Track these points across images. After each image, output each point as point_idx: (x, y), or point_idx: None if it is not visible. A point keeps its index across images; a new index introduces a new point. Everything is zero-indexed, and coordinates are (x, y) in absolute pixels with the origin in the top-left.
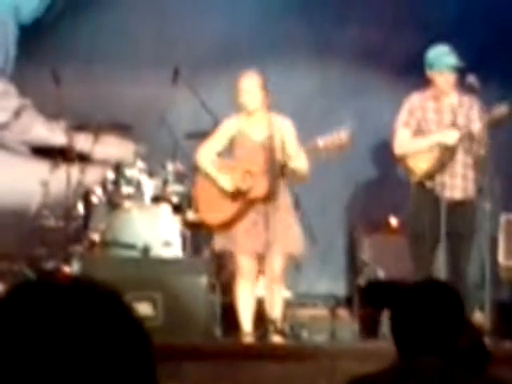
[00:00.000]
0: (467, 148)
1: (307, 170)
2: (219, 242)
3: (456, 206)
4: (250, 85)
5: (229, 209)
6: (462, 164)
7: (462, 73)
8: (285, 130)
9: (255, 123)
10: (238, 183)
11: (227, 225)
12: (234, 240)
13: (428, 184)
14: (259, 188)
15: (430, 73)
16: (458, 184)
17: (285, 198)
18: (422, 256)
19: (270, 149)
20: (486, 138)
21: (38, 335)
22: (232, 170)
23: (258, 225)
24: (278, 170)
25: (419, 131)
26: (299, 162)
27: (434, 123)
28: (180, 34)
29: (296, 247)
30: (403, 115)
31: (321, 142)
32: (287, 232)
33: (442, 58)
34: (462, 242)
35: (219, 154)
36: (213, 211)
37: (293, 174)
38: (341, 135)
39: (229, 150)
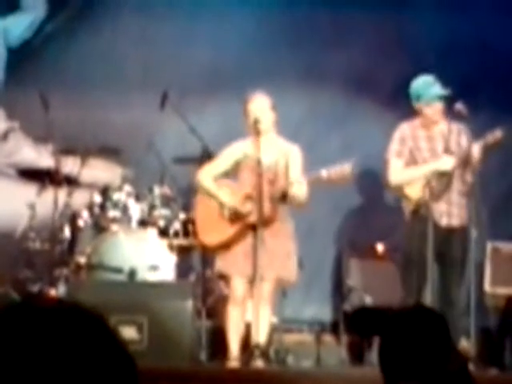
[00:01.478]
0: (461, 174)
1: (307, 198)
2: (218, 265)
3: (452, 234)
4: (262, 106)
5: (226, 230)
6: (456, 191)
7: (449, 100)
8: (291, 156)
9: (263, 146)
10: (238, 206)
11: (224, 247)
12: (232, 263)
13: (423, 212)
14: (259, 213)
15: (417, 104)
16: (454, 211)
17: (286, 224)
18: (413, 283)
19: (273, 172)
20: (482, 162)
21: (22, 358)
22: (232, 191)
23: (257, 250)
24: (278, 195)
25: (412, 160)
26: (300, 189)
27: (427, 151)
28: (168, 60)
29: (292, 275)
30: (395, 145)
31: (325, 173)
32: (286, 258)
33: (428, 89)
34: (456, 268)
35: (219, 177)
36: (210, 232)
37: (292, 200)
38: (344, 168)
39: (234, 174)
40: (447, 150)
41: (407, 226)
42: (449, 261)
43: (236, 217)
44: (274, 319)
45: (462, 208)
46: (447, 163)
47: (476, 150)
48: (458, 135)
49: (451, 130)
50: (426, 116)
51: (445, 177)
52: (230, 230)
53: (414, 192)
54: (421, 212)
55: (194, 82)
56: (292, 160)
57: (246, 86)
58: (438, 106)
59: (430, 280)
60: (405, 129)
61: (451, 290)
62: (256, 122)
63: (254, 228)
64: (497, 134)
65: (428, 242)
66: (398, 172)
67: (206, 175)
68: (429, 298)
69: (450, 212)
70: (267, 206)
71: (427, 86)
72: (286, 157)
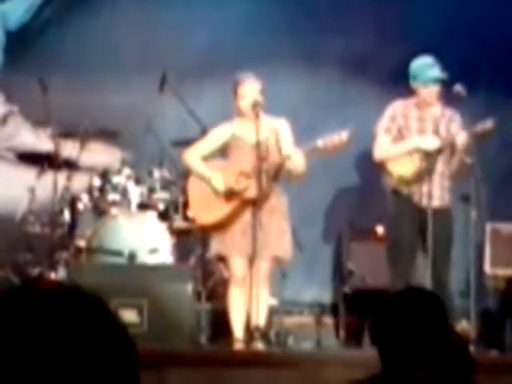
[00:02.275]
0: (447, 159)
1: (305, 169)
2: (215, 247)
3: (434, 215)
4: (253, 89)
5: (223, 209)
6: (439, 173)
7: (448, 82)
8: (280, 130)
9: (251, 127)
10: (232, 184)
11: (221, 225)
12: (231, 242)
13: (404, 191)
14: (253, 189)
15: (413, 83)
16: (435, 193)
17: (280, 202)
18: (400, 263)
19: (264, 150)
20: (471, 147)
21: (22, 341)
22: (225, 170)
23: (254, 227)
24: (272, 172)
25: (400, 137)
26: (297, 160)
27: (416, 131)
28: (166, 42)
29: (287, 253)
30: (385, 121)
31: (320, 142)
32: (280, 236)
33: (426, 70)
34: (441, 250)
35: (206, 158)
36: (206, 211)
37: (289, 173)
38: (341, 135)
39: (221, 155)
40: (436, 133)
41: (389, 206)
42: (434, 243)
43: (231, 194)
44: (274, 301)
45: (443, 190)
46: (431, 143)
47: (461, 138)
48: (449, 121)
49: (443, 115)
50: (421, 96)
51: (429, 158)
52: (226, 208)
53: (397, 169)
54: (401, 191)
55: (192, 66)
56: (282, 134)
57: (244, 70)
58: (434, 89)
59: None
60: (397, 107)
61: (440, 271)
62: (255, 105)
63: (249, 204)
64: (488, 125)
65: (418, 223)
66: (383, 147)
67: (193, 156)
68: (422, 279)
69: (431, 193)
70: (260, 184)
71: (426, 68)
72: (275, 132)
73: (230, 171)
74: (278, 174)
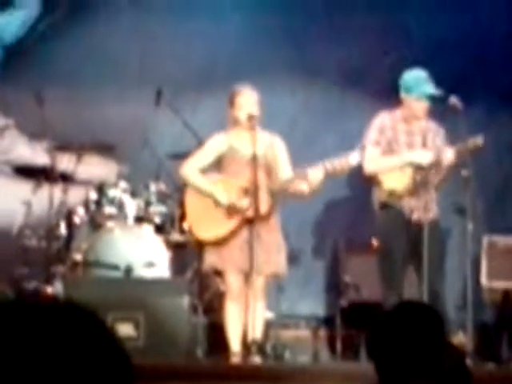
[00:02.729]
0: (434, 171)
1: (322, 187)
2: (210, 260)
3: (423, 228)
4: (250, 100)
5: (225, 225)
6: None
7: (442, 97)
8: (276, 147)
9: (247, 139)
10: (234, 200)
11: (221, 242)
12: (228, 258)
13: (393, 205)
14: (257, 207)
15: (405, 96)
16: (422, 205)
17: (277, 218)
18: (391, 277)
19: (265, 165)
20: (467, 159)
21: (16, 356)
22: (224, 184)
23: (253, 244)
24: (275, 190)
25: (390, 151)
26: (315, 179)
27: (405, 145)
28: (163, 56)
29: (283, 268)
30: (373, 133)
31: (328, 165)
32: (278, 253)
33: (420, 84)
34: (435, 262)
35: (204, 170)
36: (206, 227)
37: (301, 193)
38: (350, 159)
39: (215, 167)
40: (424, 146)
41: (377, 219)
42: (426, 256)
43: (234, 211)
44: (271, 315)
45: (432, 202)
46: (424, 157)
47: (448, 156)
48: (434, 135)
49: (429, 128)
50: (411, 110)
51: (421, 172)
52: (228, 224)
53: (388, 181)
54: (390, 205)
55: (189, 78)
56: (279, 152)
57: (241, 82)
58: (425, 105)
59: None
60: (385, 119)
61: (434, 284)
62: (250, 117)
63: (250, 222)
64: (478, 141)
65: (408, 236)
66: (373, 160)
67: (192, 169)
68: (410, 292)
69: (428, 206)
70: (266, 200)
71: (420, 82)
72: (272, 148)
73: (229, 186)
74: (282, 193)
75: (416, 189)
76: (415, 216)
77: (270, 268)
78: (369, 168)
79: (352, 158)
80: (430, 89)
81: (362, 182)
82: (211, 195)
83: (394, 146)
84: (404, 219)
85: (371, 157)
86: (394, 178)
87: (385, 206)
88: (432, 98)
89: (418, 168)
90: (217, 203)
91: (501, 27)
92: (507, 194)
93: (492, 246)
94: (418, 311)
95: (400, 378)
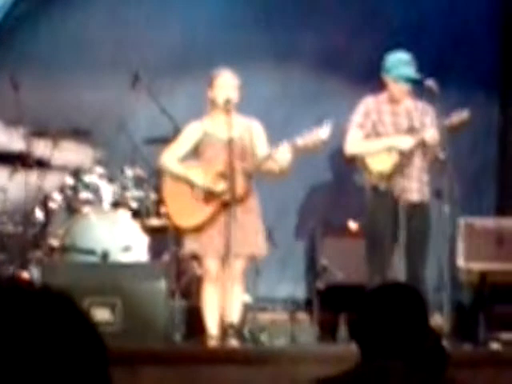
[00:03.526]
0: (423, 152)
1: (291, 166)
2: (189, 246)
3: (412, 209)
4: (229, 83)
5: (203, 211)
6: (417, 167)
7: (419, 81)
8: (254, 131)
9: (222, 123)
10: (211, 185)
11: (200, 228)
12: (207, 243)
13: (382, 187)
14: (234, 190)
15: (385, 77)
16: (413, 187)
17: (254, 200)
18: (378, 259)
19: (240, 148)
20: (444, 142)
21: None
22: (201, 171)
23: (230, 227)
24: (251, 171)
25: (375, 133)
26: (283, 157)
27: (390, 126)
28: (138, 40)
29: (262, 250)
30: (358, 117)
31: (299, 140)
32: (256, 234)
33: (400, 67)
34: (418, 244)
35: (182, 159)
36: (185, 214)
37: (271, 172)
38: (320, 133)
39: (193, 155)
40: (411, 128)
41: (369, 202)
42: (411, 237)
43: (211, 196)
44: (248, 298)
45: (422, 184)
46: (405, 143)
47: (429, 135)
48: (422, 114)
49: (416, 108)
50: (391, 91)
51: (404, 156)
52: (206, 211)
53: (375, 165)
54: (380, 187)
55: (165, 63)
56: (257, 135)
57: (217, 66)
58: (404, 87)
59: (400, 256)
60: (369, 102)
61: (416, 266)
62: (227, 101)
63: (227, 206)
64: (463, 115)
65: (396, 218)
66: (355, 142)
67: (170, 158)
68: (399, 274)
69: (410, 187)
70: (241, 183)
71: (400, 64)
72: (250, 132)
73: (206, 172)
74: (256, 172)
75: (402, 170)
76: (404, 197)
77: (248, 249)
78: (349, 150)
79: (322, 132)
80: (409, 72)
81: (339, 164)
82: (189, 180)
83: (380, 128)
84: (393, 201)
85: (353, 139)
86: (380, 161)
87: (374, 188)
88: (411, 81)
89: (400, 153)
90: (195, 188)
91: (479, 11)
92: (483, 177)
93: (468, 228)
94: (402, 292)
95: (381, 356)
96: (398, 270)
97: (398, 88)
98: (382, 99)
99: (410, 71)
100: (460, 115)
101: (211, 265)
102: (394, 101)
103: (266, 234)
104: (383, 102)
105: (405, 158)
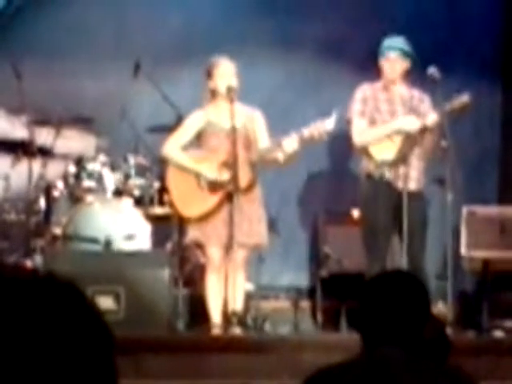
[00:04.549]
0: (420, 139)
1: (298, 155)
2: (192, 234)
3: (410, 198)
4: (228, 71)
5: (208, 201)
6: (416, 156)
7: (422, 66)
8: (256, 121)
9: (226, 112)
10: (215, 175)
11: (205, 217)
12: (211, 232)
13: (381, 175)
14: (239, 179)
15: (380, 62)
16: (412, 176)
17: (257, 190)
18: (376, 248)
19: (245, 138)
20: (446, 129)
21: None
22: (205, 161)
23: (235, 216)
24: (255, 161)
25: (371, 121)
26: (290, 147)
27: (387, 113)
28: (140, 27)
29: (265, 239)
30: (357, 105)
31: (305, 131)
32: (259, 223)
33: (388, 43)
34: (417, 233)
35: (184, 148)
36: (190, 204)
37: (277, 162)
38: (326, 124)
39: (195, 144)
40: (406, 114)
41: (363, 190)
42: (409, 226)
43: (216, 186)
44: (251, 286)
45: (420, 172)
46: (412, 124)
47: (431, 119)
48: (418, 102)
49: (412, 96)
50: (385, 74)
51: (408, 139)
52: (211, 200)
53: (379, 152)
54: (377, 175)
55: (167, 50)
56: (259, 125)
57: (219, 54)
58: (392, 57)
59: (400, 244)
60: (366, 89)
61: (416, 254)
62: (230, 89)
63: (232, 195)
64: (464, 99)
65: (393, 206)
66: (362, 132)
67: (173, 147)
68: (398, 262)
69: (408, 175)
70: (246, 172)
71: (390, 41)
72: (252, 121)
73: (210, 161)
74: (261, 162)
75: (405, 157)
76: (401, 185)
77: (253, 239)
78: (359, 141)
79: (327, 124)
80: (393, 42)
81: (340, 152)
82: (197, 173)
83: (376, 116)
84: (390, 189)
85: (359, 129)
86: (384, 149)
87: (371, 176)
88: (399, 51)
89: (406, 136)
90: (199, 177)
91: None
92: (486, 165)
93: (471, 216)
94: (404, 280)
95: (382, 344)
96: (399, 259)
97: (390, 66)
98: (378, 87)
99: (394, 41)
100: (460, 99)
101: (214, 253)
102: (388, 88)
103: (268, 222)
104: (379, 90)
105: (409, 142)
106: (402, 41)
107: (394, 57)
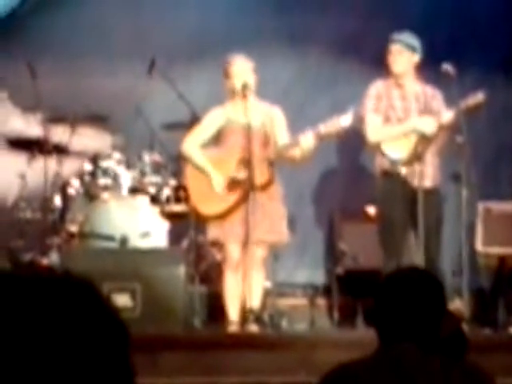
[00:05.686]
0: (435, 137)
1: (313, 153)
2: (212, 233)
3: (425, 195)
4: (244, 68)
5: (226, 199)
6: (431, 152)
7: (436, 63)
8: (276, 118)
9: (243, 109)
10: (234, 173)
11: (224, 215)
12: (230, 231)
13: (396, 172)
14: (257, 177)
15: (386, 57)
16: (428, 172)
17: (278, 186)
18: (392, 245)
19: (263, 135)
20: (461, 126)
21: (13, 327)
22: (223, 159)
23: (255, 214)
24: (273, 159)
25: (386, 118)
26: (307, 144)
27: (401, 110)
28: (155, 25)
29: (285, 237)
30: (371, 102)
31: (322, 127)
32: (279, 221)
33: (392, 36)
34: (433, 230)
35: (204, 145)
36: (208, 202)
37: (293, 159)
38: (343, 121)
39: (214, 141)
40: (420, 111)
41: (379, 187)
42: (424, 223)
43: (234, 184)
44: (268, 283)
45: (435, 168)
46: (429, 125)
47: (447, 117)
48: (431, 98)
49: (425, 93)
50: (390, 67)
51: (424, 138)
52: (229, 199)
53: (393, 150)
54: (393, 172)
55: (182, 48)
56: (278, 122)
57: (234, 51)
58: (394, 49)
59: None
60: (379, 86)
61: (432, 251)
62: (244, 86)
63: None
64: (478, 97)
65: (409, 203)
66: (376, 128)
67: (192, 145)
68: (411, 260)
69: (424, 173)
70: (264, 169)
71: (393, 35)
72: (271, 119)
73: (228, 159)
74: (279, 159)
75: (420, 156)
76: (416, 182)
77: (274, 237)
78: (373, 137)
79: (343, 120)
80: (398, 36)
81: (356, 149)
82: (209, 177)
83: (390, 113)
84: (405, 186)
85: (374, 126)
86: (398, 146)
87: (386, 173)
88: (403, 44)
89: (422, 136)
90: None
91: None
92: (501, 161)
93: (487, 212)
94: (421, 277)
95: (399, 341)
96: (415, 256)
97: (392, 58)
98: (391, 84)
99: (402, 35)
100: (475, 97)
101: (233, 251)
102: (401, 85)
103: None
104: (392, 87)
105: (425, 142)
106: (407, 34)
107: (395, 49)
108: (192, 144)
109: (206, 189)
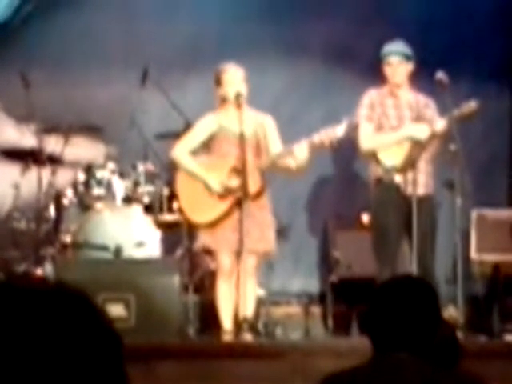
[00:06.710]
0: (428, 145)
1: (308, 164)
2: (203, 240)
3: (419, 203)
4: (235, 77)
5: (217, 207)
6: (424, 160)
7: (430, 71)
8: (267, 126)
9: (236, 118)
10: (226, 182)
11: (215, 223)
12: (221, 238)
13: (390, 180)
14: (250, 186)
15: (383, 67)
16: (420, 180)
17: (265, 196)
18: (386, 252)
19: (255, 144)
20: (455, 133)
21: (6, 338)
22: (215, 166)
23: (244, 223)
24: (265, 168)
25: (379, 127)
26: (301, 155)
27: (394, 119)
28: (148, 35)
29: (273, 246)
30: (364, 110)
31: (316, 137)
32: (268, 231)
33: (388, 48)
34: (427, 238)
35: (195, 152)
36: (199, 210)
37: (288, 169)
38: (337, 131)
39: (204, 149)
40: (413, 119)
41: (373, 195)
42: (418, 231)
43: (226, 192)
44: (262, 292)
45: (428, 176)
46: (422, 132)
47: (440, 125)
48: (424, 107)
49: (418, 101)
50: (389, 78)
51: (417, 145)
52: (220, 207)
53: (388, 158)
54: (386, 180)
55: (175, 57)
56: (270, 130)
57: (228, 60)
58: (394, 61)
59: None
60: (373, 95)
61: (426, 259)
62: (238, 96)
63: (242, 201)
64: (472, 105)
65: (402, 211)
66: (369, 137)
67: (183, 151)
68: (404, 268)
69: (416, 181)
70: (256, 178)
71: (389, 45)
72: (262, 127)
73: (220, 167)
74: (272, 169)
75: (414, 163)
76: (410, 190)
77: (264, 246)
78: (366, 145)
79: (338, 130)
80: (393, 46)
81: (350, 157)
82: (203, 181)
83: (384, 121)
84: (399, 194)
85: (366, 134)
86: (392, 154)
87: (380, 181)
88: (400, 55)
89: (415, 143)
90: (209, 189)
91: (488, 2)
92: (495, 168)
93: (481, 220)
94: (415, 285)
95: (393, 349)
96: (409, 264)
97: (392, 70)
98: (385, 92)
99: (398, 45)
100: (469, 105)
101: (225, 260)
102: (395, 93)
103: (279, 228)
104: (386, 95)
105: (418, 148)
106: (402, 44)
107: (395, 61)
108: (183, 149)
109: (198, 197)
